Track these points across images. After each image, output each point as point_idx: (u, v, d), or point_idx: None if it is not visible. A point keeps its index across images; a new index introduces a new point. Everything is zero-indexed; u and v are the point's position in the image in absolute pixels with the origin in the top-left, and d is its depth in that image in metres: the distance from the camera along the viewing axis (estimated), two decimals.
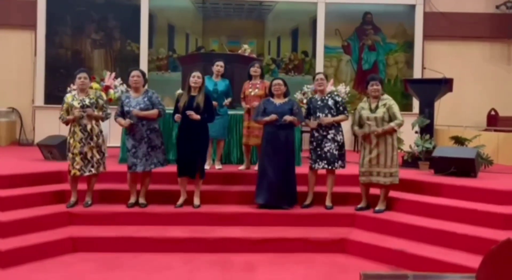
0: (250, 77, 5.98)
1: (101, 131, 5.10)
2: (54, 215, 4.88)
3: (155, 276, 4.10)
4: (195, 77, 5.13)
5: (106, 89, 7.06)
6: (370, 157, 5.01)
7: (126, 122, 5.04)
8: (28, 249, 4.32)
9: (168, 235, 4.77)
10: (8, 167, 5.91)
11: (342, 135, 5.27)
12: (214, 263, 4.39)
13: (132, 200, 5.17)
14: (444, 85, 6.73)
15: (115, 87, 7.18)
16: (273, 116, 5.15)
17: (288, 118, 5.13)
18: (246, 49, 7.74)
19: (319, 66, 9.72)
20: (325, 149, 5.16)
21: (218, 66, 5.99)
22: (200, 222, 5.02)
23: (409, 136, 6.79)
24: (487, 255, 2.17)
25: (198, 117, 5.01)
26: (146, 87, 5.32)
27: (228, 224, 5.02)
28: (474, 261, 3.97)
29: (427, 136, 6.45)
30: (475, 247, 4.21)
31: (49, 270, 4.17)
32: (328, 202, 5.28)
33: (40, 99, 9.51)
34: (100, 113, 5.05)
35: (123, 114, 5.11)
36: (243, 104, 5.98)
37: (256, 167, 5.95)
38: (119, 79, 7.26)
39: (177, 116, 5.05)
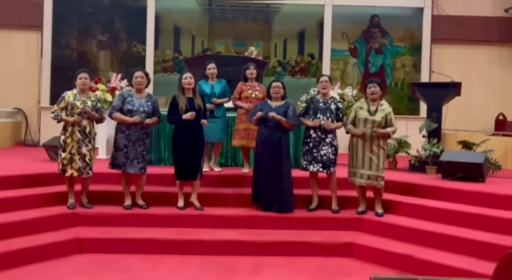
0: (245, 79, 5.88)
1: (95, 134, 5.10)
2: (60, 216, 4.86)
3: (158, 278, 4.08)
4: (188, 78, 5.12)
5: (112, 90, 7.04)
6: (358, 159, 5.04)
7: (136, 118, 4.95)
8: (34, 250, 4.30)
9: (171, 237, 4.74)
10: (14, 167, 5.90)
11: (337, 140, 5.25)
12: (218, 266, 4.36)
13: (128, 202, 5.13)
14: (452, 89, 6.69)
15: (121, 88, 7.15)
16: (258, 114, 5.09)
17: (272, 114, 5.02)
18: (252, 51, 7.71)
19: (326, 69, 9.68)
20: (322, 152, 5.12)
21: (211, 69, 5.91)
22: (203, 225, 4.99)
23: (416, 140, 6.74)
24: (502, 259, 2.12)
25: (207, 123, 5.12)
26: (147, 89, 5.27)
27: (232, 226, 4.99)
28: (482, 266, 3.95)
29: (435, 140, 6.39)
30: (483, 253, 4.18)
31: (53, 270, 4.14)
32: (334, 206, 5.24)
33: (45, 100, 9.52)
34: (96, 114, 5.00)
35: (121, 110, 5.03)
36: (239, 103, 5.79)
37: None
38: (125, 81, 7.24)
39: (192, 114, 4.99)
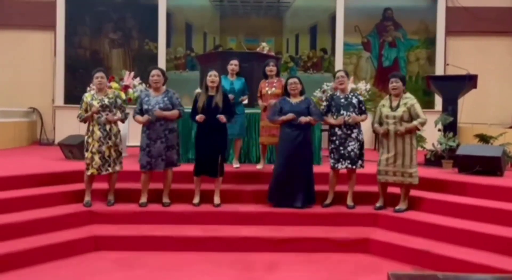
0: (266, 76, 5.90)
1: (119, 131, 5.13)
2: (76, 214, 4.90)
3: (176, 275, 4.09)
4: (212, 76, 5.10)
5: (125, 88, 7.06)
6: (387, 156, 4.95)
7: (144, 118, 5.01)
8: (51, 248, 4.34)
9: (188, 234, 4.76)
10: (31, 166, 5.96)
11: (363, 134, 5.19)
12: (235, 263, 4.35)
13: (144, 199, 5.15)
14: (468, 81, 6.59)
15: (134, 86, 7.17)
16: (289, 115, 5.06)
17: (303, 119, 5.05)
18: (264, 47, 7.69)
19: (339, 63, 9.62)
20: (349, 148, 5.08)
21: (233, 65, 5.95)
22: (220, 221, 5.00)
23: (432, 134, 6.66)
24: None
25: (225, 120, 5.04)
26: (165, 86, 5.29)
27: (248, 223, 4.99)
28: (501, 262, 3.90)
29: (451, 134, 6.31)
30: (502, 248, 4.12)
31: (71, 268, 4.18)
32: (349, 202, 5.21)
33: (60, 99, 9.61)
34: (119, 113, 5.07)
35: (141, 112, 5.10)
36: (260, 102, 5.91)
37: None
38: (138, 79, 7.26)
39: (200, 117, 5.02)
